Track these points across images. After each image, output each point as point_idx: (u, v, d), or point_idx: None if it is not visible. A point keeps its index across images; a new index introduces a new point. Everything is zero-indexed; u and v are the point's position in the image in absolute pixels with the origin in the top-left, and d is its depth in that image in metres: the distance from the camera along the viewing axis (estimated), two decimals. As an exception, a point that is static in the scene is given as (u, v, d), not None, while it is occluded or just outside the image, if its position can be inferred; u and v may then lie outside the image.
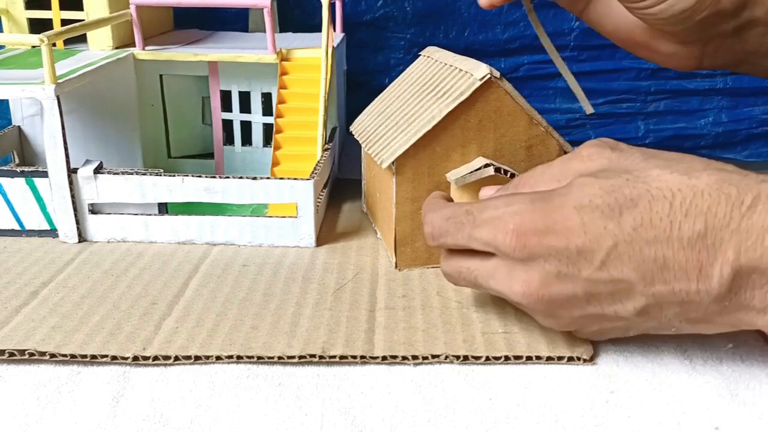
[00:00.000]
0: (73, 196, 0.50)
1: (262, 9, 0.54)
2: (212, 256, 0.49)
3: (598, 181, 0.33)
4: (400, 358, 0.37)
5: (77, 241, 0.51)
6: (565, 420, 0.33)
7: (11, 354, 0.37)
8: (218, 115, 0.62)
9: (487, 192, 0.41)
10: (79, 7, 0.58)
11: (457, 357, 0.37)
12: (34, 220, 0.51)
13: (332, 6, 0.64)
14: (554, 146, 0.46)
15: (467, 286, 0.39)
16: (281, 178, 0.49)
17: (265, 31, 0.55)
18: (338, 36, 0.67)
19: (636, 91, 0.76)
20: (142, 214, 0.51)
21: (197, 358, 0.37)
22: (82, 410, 0.33)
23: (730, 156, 0.73)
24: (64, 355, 0.37)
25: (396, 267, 0.47)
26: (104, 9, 0.57)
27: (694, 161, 0.33)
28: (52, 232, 0.51)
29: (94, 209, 0.51)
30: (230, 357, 0.37)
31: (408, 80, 0.52)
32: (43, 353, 0.37)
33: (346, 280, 0.46)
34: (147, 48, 0.58)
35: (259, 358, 0.37)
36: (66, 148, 0.49)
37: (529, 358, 0.37)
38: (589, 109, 0.51)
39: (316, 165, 0.53)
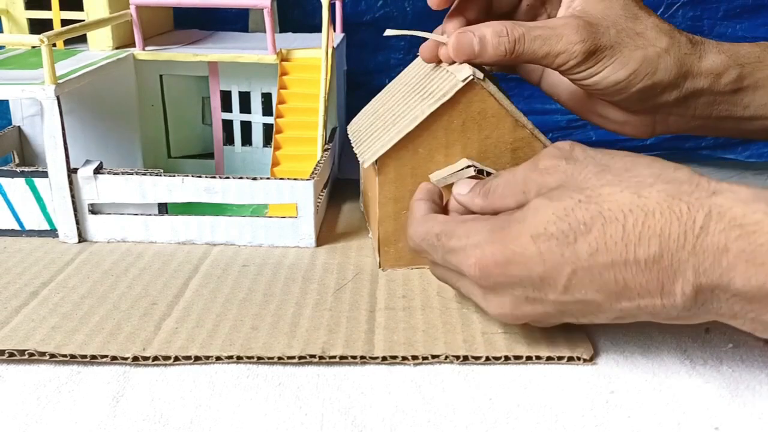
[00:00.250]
0: (73, 197, 0.50)
1: (262, 9, 0.54)
2: (212, 257, 0.49)
3: (552, 205, 0.33)
4: (400, 359, 0.37)
5: (77, 241, 0.51)
6: (565, 420, 0.33)
7: (11, 354, 0.37)
8: (218, 115, 0.62)
9: (461, 187, 0.40)
10: (79, 7, 0.58)
11: (457, 357, 0.37)
12: (34, 221, 0.51)
13: (332, 6, 0.64)
14: (540, 149, 0.45)
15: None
16: (281, 179, 0.49)
17: (265, 32, 0.55)
18: (338, 36, 0.67)
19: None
20: (142, 215, 0.51)
21: (197, 358, 0.37)
22: (82, 410, 0.33)
23: (731, 156, 0.73)
24: (64, 356, 0.37)
25: (380, 267, 0.47)
26: (104, 9, 0.57)
27: (644, 171, 0.33)
28: (52, 233, 0.51)
29: (94, 209, 0.51)
30: (230, 357, 0.37)
31: (402, 80, 0.52)
32: (43, 353, 0.37)
33: (346, 280, 0.46)
34: (147, 48, 0.58)
35: (259, 358, 0.37)
36: (66, 148, 0.49)
37: (529, 358, 0.37)
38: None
39: (316, 165, 0.53)
